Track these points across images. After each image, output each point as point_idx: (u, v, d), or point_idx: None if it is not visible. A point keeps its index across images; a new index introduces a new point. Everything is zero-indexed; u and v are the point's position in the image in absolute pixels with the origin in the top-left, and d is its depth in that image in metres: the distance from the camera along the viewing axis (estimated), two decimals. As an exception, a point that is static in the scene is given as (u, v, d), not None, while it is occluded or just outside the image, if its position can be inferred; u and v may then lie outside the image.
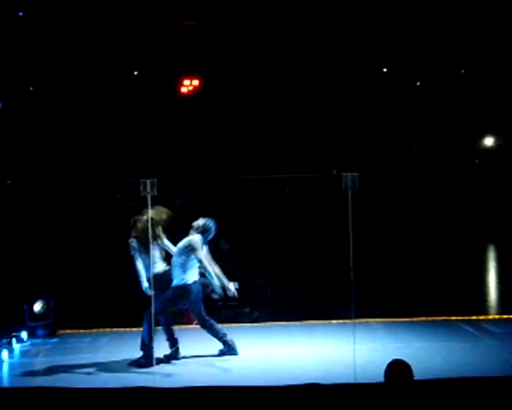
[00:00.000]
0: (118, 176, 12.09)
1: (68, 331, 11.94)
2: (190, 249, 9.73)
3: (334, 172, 12.78)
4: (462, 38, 12.81)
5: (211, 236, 9.97)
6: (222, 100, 13.95)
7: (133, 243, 9.92)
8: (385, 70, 14.14)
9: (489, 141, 13.34)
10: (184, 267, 9.80)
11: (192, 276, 9.82)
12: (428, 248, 13.07)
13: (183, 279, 9.78)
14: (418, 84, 14.12)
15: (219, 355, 9.99)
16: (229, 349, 9.99)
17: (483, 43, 12.90)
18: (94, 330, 11.90)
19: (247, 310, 12.38)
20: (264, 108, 13.68)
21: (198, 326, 10.27)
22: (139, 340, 9.87)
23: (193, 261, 9.79)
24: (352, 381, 8.36)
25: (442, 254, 13.09)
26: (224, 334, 10.04)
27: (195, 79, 14.21)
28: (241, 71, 13.60)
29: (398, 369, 6.15)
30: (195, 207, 12.61)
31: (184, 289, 9.79)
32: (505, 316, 11.96)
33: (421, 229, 13.28)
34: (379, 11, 12.65)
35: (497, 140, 13.19)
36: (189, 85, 14.26)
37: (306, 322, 11.82)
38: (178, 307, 10.04)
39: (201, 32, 13.15)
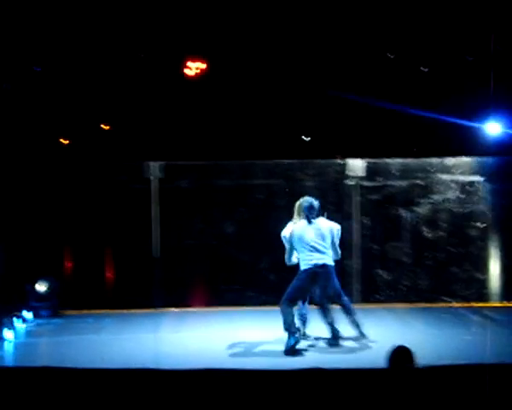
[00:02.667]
0: (124, 158, 12.10)
1: (72, 312, 11.98)
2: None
3: (339, 158, 12.75)
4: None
5: (305, 213, 9.44)
6: (228, 83, 13.91)
7: None
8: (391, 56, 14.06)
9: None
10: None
11: (302, 262, 9.45)
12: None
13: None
14: (426, 70, 14.04)
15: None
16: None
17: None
18: (97, 311, 11.94)
19: (251, 293, 12.39)
20: (270, 91, 13.63)
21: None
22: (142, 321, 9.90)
23: (298, 249, 9.49)
24: (356, 366, 8.37)
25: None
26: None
27: (202, 61, 14.18)
28: (247, 54, 13.55)
29: (400, 355, 6.17)
30: (203, 191, 12.62)
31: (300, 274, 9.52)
32: (509, 304, 11.97)
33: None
34: None
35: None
36: (195, 68, 14.24)
37: (314, 306, 11.82)
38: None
39: (208, 15, 13.11)
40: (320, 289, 9.45)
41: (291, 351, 9.09)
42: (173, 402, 7.31)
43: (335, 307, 9.71)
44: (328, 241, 9.43)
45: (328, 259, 9.42)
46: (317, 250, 9.34)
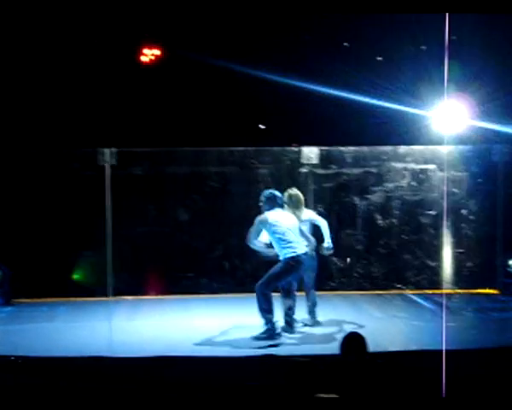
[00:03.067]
0: (76, 145, 11.96)
1: (25, 300, 11.86)
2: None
3: (294, 145, 12.79)
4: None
5: (274, 203, 9.41)
6: (183, 69, 13.84)
7: None
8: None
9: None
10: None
11: (287, 251, 9.33)
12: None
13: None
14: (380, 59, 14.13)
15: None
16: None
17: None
18: (50, 300, 11.84)
19: (206, 281, 12.39)
20: (225, 78, 13.60)
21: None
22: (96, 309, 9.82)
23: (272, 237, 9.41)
24: (310, 352, 8.44)
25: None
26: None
27: (157, 48, 14.09)
28: (203, 41, 13.49)
29: (353, 341, 6.22)
30: (156, 178, 12.56)
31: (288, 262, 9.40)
32: (460, 291, 12.15)
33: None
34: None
35: None
36: (150, 55, 14.14)
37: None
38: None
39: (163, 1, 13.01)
40: (294, 277, 9.50)
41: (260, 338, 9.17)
42: (128, 389, 7.28)
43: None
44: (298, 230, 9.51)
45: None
46: (297, 238, 9.39)
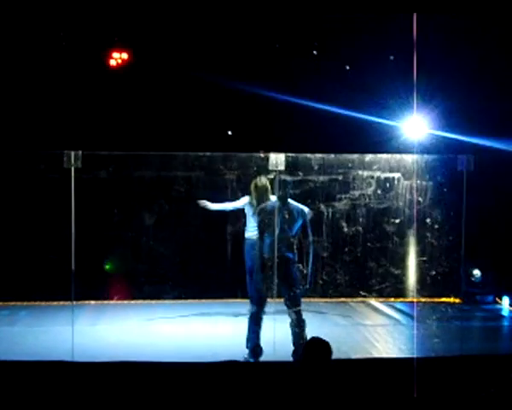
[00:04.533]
0: (42, 147, 11.85)
1: (-15, 304, 11.75)
2: None
3: (262, 152, 12.79)
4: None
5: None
6: (151, 73, 13.80)
7: None
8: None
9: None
10: None
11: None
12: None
13: None
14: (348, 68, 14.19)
15: None
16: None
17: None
18: (12, 303, 11.72)
19: (170, 287, 12.35)
20: (195, 84, 13.58)
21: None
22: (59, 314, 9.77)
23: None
24: (271, 359, 8.44)
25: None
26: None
27: (125, 51, 14.03)
28: (172, 45, 13.46)
29: (316, 347, 6.22)
30: (122, 182, 12.50)
31: None
32: (423, 299, 12.23)
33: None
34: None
35: None
36: (118, 58, 14.07)
37: (230, 300, 11.86)
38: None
39: (133, 4, 12.97)
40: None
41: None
42: (88, 395, 7.23)
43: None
44: None
45: None
46: None
